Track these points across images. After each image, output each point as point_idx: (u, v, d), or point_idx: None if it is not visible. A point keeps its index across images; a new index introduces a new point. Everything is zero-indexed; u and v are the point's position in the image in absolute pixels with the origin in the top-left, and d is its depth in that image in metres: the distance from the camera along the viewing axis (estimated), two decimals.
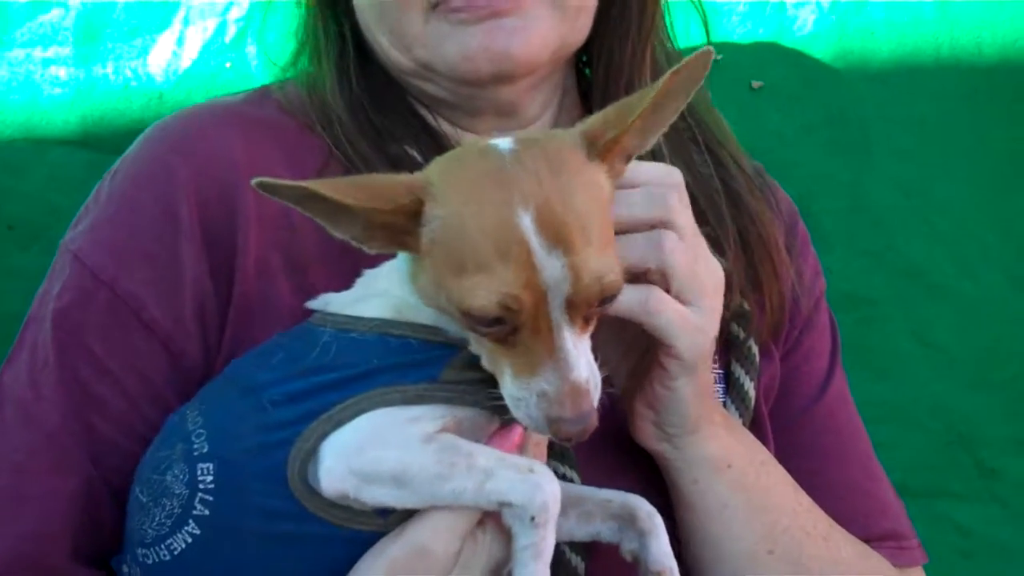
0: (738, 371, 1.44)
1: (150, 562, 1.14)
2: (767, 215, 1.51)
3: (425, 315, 1.11)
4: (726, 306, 1.38)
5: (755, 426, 1.45)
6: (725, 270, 1.38)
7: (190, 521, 1.10)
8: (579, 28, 1.41)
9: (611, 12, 1.47)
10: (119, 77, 2.01)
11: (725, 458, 1.32)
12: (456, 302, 1.01)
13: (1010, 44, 2.16)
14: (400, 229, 1.05)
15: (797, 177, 2.14)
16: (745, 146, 2.12)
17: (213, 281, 1.29)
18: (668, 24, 1.56)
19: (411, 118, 1.44)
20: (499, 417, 1.11)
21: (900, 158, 2.15)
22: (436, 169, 1.07)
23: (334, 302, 1.18)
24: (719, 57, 2.15)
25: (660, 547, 1.17)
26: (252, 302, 1.28)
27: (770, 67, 2.14)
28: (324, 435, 1.07)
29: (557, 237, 0.99)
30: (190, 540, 1.10)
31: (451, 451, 1.05)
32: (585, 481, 1.28)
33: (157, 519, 1.13)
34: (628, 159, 1.13)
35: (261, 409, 1.11)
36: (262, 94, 1.48)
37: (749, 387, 1.43)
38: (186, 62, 2.01)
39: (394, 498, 1.06)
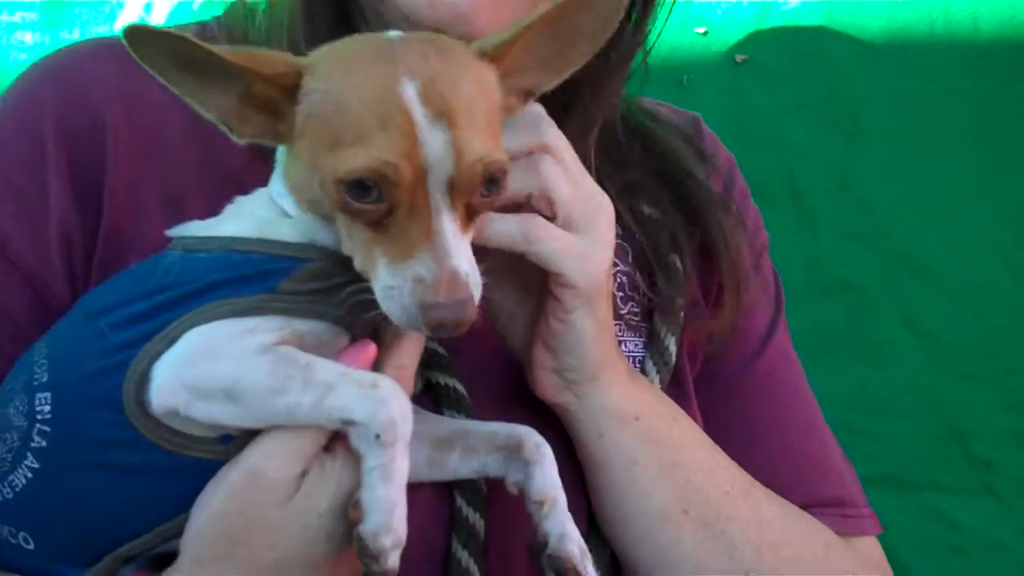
0: (660, 326, 1.36)
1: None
2: (726, 220, 1.43)
3: (287, 231, 1.05)
4: (658, 259, 1.36)
5: (676, 384, 1.37)
6: (654, 220, 1.36)
7: (28, 455, 1.05)
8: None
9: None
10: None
11: (632, 410, 1.23)
12: (330, 175, 0.95)
13: (1007, 20, 2.06)
14: (273, 110, 1.00)
15: (784, 155, 2.08)
16: (729, 122, 2.07)
17: (80, 215, 1.24)
18: None
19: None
20: (347, 334, 1.05)
21: (891, 137, 2.06)
22: (320, 50, 1.02)
23: (194, 227, 1.11)
24: (702, 30, 2.09)
25: (545, 476, 1.09)
26: (121, 237, 1.22)
27: (755, 41, 2.06)
28: (158, 355, 1.00)
29: (442, 112, 0.94)
30: (30, 475, 1.05)
31: (287, 363, 0.97)
32: None
33: (0, 455, 1.07)
34: (528, 95, 1.09)
35: (100, 334, 1.04)
36: (193, 28, 1.38)
37: (671, 343, 1.35)
38: (157, 23, 1.97)
39: (227, 415, 0.99)
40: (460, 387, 1.23)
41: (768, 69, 2.06)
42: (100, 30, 1.96)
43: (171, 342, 1.00)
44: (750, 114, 2.05)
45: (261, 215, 1.07)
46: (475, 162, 0.95)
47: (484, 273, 1.02)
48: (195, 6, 1.95)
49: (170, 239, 1.11)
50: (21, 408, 1.06)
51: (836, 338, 2.08)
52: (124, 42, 0.96)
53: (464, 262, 0.95)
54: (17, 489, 1.06)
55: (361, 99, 0.96)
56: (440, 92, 0.96)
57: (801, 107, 2.07)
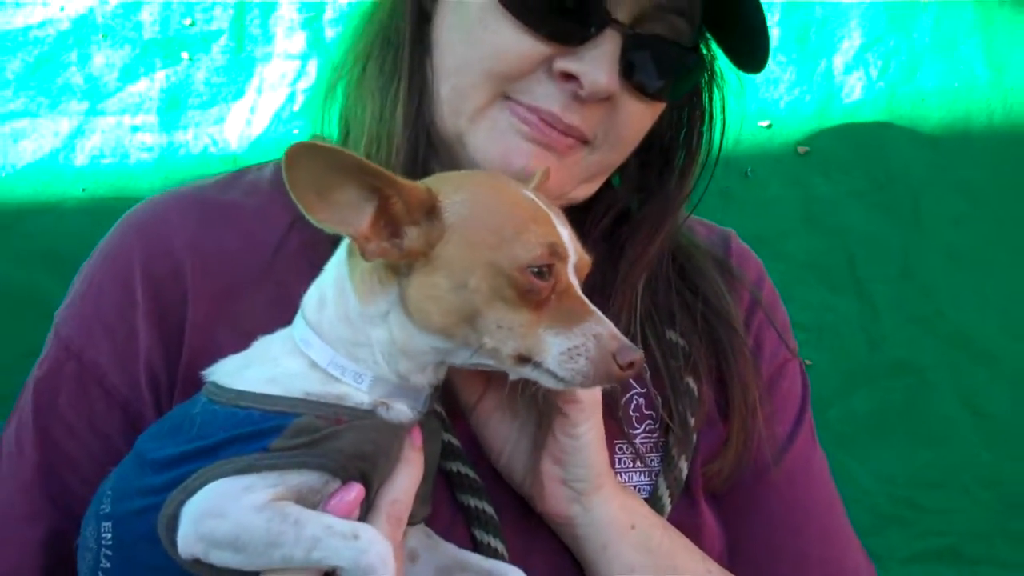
0: (673, 447, 1.40)
1: None
2: (748, 367, 1.45)
3: (301, 383, 1.14)
4: (674, 383, 1.40)
5: (688, 499, 1.40)
6: (677, 347, 1.41)
7: (100, 573, 1.18)
8: (592, 189, 1.41)
9: (650, 174, 1.47)
10: (198, 143, 2.08)
11: (629, 518, 1.30)
12: (510, 264, 1.06)
13: None
14: (396, 230, 1.09)
15: (846, 243, 2.09)
16: (792, 211, 2.11)
17: (164, 352, 1.34)
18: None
19: None
20: (337, 478, 1.12)
21: (951, 225, 2.07)
22: (430, 179, 1.14)
23: (223, 368, 1.20)
24: (766, 123, 2.13)
25: None
26: (198, 371, 1.33)
27: (817, 133, 2.08)
28: (181, 503, 1.10)
29: (558, 214, 1.12)
30: None
31: (280, 520, 1.07)
32: (511, 548, 1.29)
33: (83, 570, 1.21)
34: None
35: (143, 473, 1.16)
36: (235, 176, 1.50)
37: (682, 463, 1.39)
38: (258, 129, 2.06)
39: (236, 561, 1.09)
40: (490, 510, 1.30)
41: (830, 160, 2.08)
42: (211, 131, 2.07)
43: (191, 493, 1.10)
44: (813, 203, 2.07)
45: (280, 367, 1.16)
46: (584, 252, 1.12)
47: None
48: (295, 107, 2.07)
49: (204, 380, 1.21)
50: (92, 534, 1.19)
51: (898, 418, 2.08)
52: (284, 164, 1.03)
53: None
54: None
55: (508, 202, 1.11)
56: (548, 201, 1.13)
57: (862, 195, 2.08)
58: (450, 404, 1.30)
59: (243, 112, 2.09)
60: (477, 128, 1.35)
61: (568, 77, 1.29)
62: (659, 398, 1.42)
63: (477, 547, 1.30)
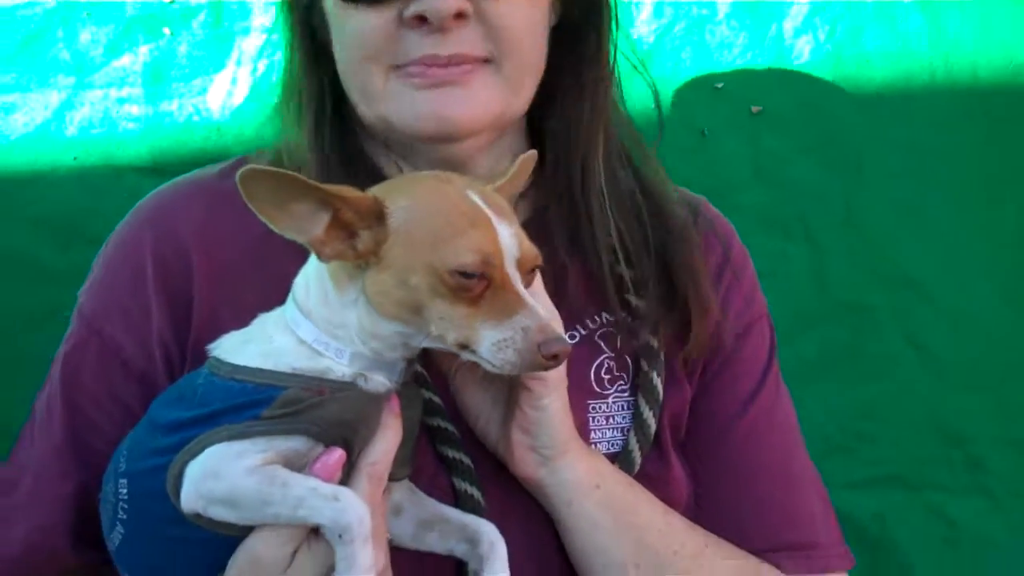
0: (641, 403, 1.52)
1: (111, 548, 1.37)
2: (698, 263, 1.58)
3: (289, 358, 1.28)
4: (637, 342, 1.53)
5: (657, 452, 1.52)
6: (640, 310, 1.53)
7: (118, 523, 1.34)
8: (520, 100, 1.51)
9: (565, 87, 1.57)
10: (182, 113, 2.15)
11: (594, 480, 1.42)
12: (442, 265, 1.18)
13: (1005, 67, 2.17)
14: (351, 234, 1.23)
15: (795, 195, 2.20)
16: (745, 167, 2.22)
17: (174, 330, 1.49)
18: (620, 91, 1.65)
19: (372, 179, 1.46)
20: (320, 444, 1.26)
21: (892, 177, 2.18)
22: (381, 185, 1.29)
23: (225, 343, 1.34)
24: (720, 85, 2.24)
25: (492, 571, 1.32)
26: (205, 347, 1.41)
27: (769, 93, 2.18)
28: (185, 463, 1.25)
29: (501, 212, 1.23)
30: (120, 538, 1.34)
31: (269, 481, 1.21)
32: (489, 499, 1.42)
33: (104, 519, 1.37)
34: None
35: (154, 436, 1.31)
36: (234, 165, 1.62)
37: (649, 417, 1.51)
38: (239, 99, 2.14)
39: (232, 516, 1.23)
40: (467, 460, 1.44)
41: (780, 118, 2.18)
42: (194, 102, 2.14)
43: (193, 455, 1.25)
44: (765, 159, 2.18)
45: (273, 343, 1.30)
46: (530, 248, 1.24)
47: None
48: (274, 77, 2.14)
49: (207, 353, 1.35)
50: (111, 489, 1.35)
51: (846, 356, 2.21)
52: (239, 185, 1.18)
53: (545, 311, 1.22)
54: (116, 544, 1.36)
55: (448, 206, 1.22)
56: (493, 198, 1.25)
57: (810, 151, 2.19)
58: (434, 367, 1.42)
59: (224, 83, 2.17)
60: (388, 106, 1.48)
61: (421, 19, 1.39)
62: (629, 360, 1.54)
63: (457, 495, 1.43)
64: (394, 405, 1.31)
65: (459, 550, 1.37)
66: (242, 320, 1.40)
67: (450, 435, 1.45)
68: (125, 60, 2.17)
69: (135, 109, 2.17)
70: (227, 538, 1.26)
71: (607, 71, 1.59)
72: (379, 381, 1.30)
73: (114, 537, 1.35)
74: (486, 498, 1.43)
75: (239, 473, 1.22)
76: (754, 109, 2.19)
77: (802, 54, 2.18)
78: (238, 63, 2.16)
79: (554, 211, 1.55)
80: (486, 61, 1.46)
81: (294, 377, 1.26)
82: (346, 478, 1.27)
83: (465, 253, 1.18)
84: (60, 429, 1.51)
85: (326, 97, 1.56)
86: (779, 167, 2.19)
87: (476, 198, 1.23)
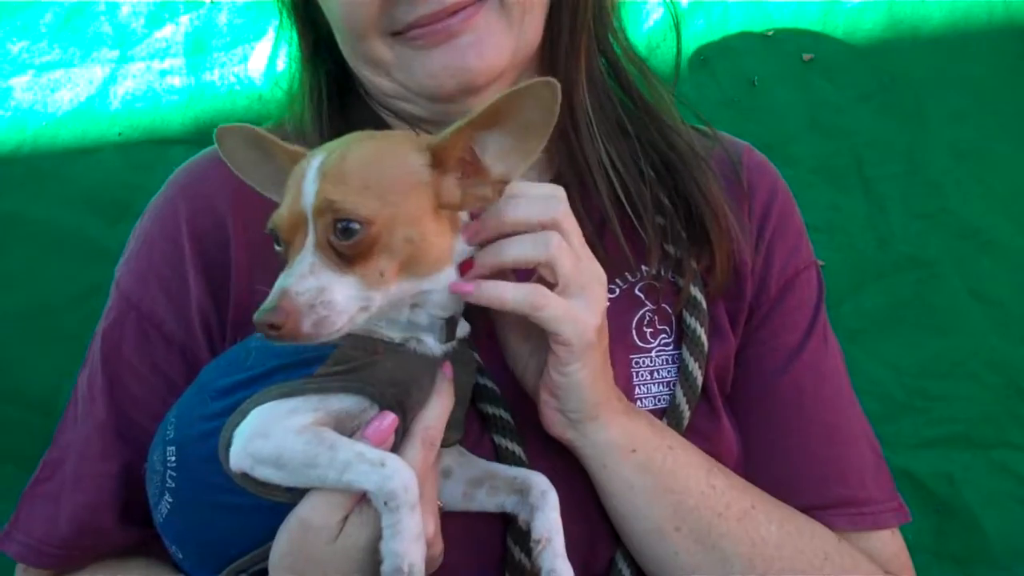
0: (686, 355, 1.44)
1: (158, 522, 1.31)
2: (714, 187, 1.48)
3: None
4: (679, 295, 1.44)
5: (704, 404, 1.44)
6: (678, 258, 1.45)
7: (166, 493, 1.27)
8: (529, 33, 1.42)
9: (553, 19, 1.46)
10: (224, 82, 2.07)
11: (629, 443, 1.32)
12: None
13: None
14: None
15: (853, 144, 2.05)
16: (799, 117, 2.08)
17: (212, 300, 1.43)
18: (619, 27, 1.55)
19: None
20: (375, 404, 1.19)
21: (954, 121, 2.02)
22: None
23: None
24: (770, 33, 2.12)
25: (545, 519, 1.22)
26: (245, 315, 1.33)
27: (820, 40, 2.03)
28: (236, 425, 1.18)
29: (324, 175, 1.11)
30: (168, 507, 1.27)
31: (317, 443, 1.14)
32: (531, 455, 1.35)
33: (151, 489, 1.31)
34: (502, 184, 1.17)
35: (203, 402, 1.25)
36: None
37: (695, 369, 1.42)
38: (281, 66, 2.01)
39: (278, 477, 1.17)
40: (507, 415, 1.36)
41: (834, 65, 2.03)
42: (236, 71, 2.07)
43: (244, 415, 1.18)
44: (819, 108, 2.03)
45: None
46: (323, 203, 1.09)
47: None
48: None
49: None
50: (159, 457, 1.28)
51: (908, 311, 2.06)
52: (216, 140, 1.25)
53: (304, 281, 1.08)
54: (164, 515, 1.29)
55: (293, 173, 1.17)
56: (332, 163, 1.12)
57: (866, 98, 2.03)
58: (479, 321, 1.33)
59: (265, 50, 2.07)
60: (401, 74, 1.42)
61: None
62: (670, 312, 1.44)
63: (498, 452, 1.36)
64: (447, 370, 1.25)
65: (509, 503, 1.28)
66: None
67: (490, 392, 1.37)
68: (166, 31, 2.09)
69: (177, 80, 2.09)
70: (276, 505, 1.19)
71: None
72: (430, 343, 1.23)
73: (162, 508, 1.28)
74: (528, 454, 1.35)
75: (288, 432, 1.15)
76: (806, 57, 2.05)
77: None
78: (279, 29, 2.08)
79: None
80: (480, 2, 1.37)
81: (347, 336, 1.16)
82: (398, 443, 1.20)
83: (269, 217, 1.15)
84: (103, 406, 1.44)
85: (323, 88, 1.52)
86: (833, 116, 2.05)
87: (318, 160, 1.14)
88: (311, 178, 1.12)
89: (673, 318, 1.46)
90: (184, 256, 1.45)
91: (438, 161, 1.15)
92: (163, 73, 2.10)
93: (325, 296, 1.08)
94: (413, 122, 1.49)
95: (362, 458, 1.13)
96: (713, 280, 1.45)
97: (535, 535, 1.22)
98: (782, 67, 2.06)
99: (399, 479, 1.12)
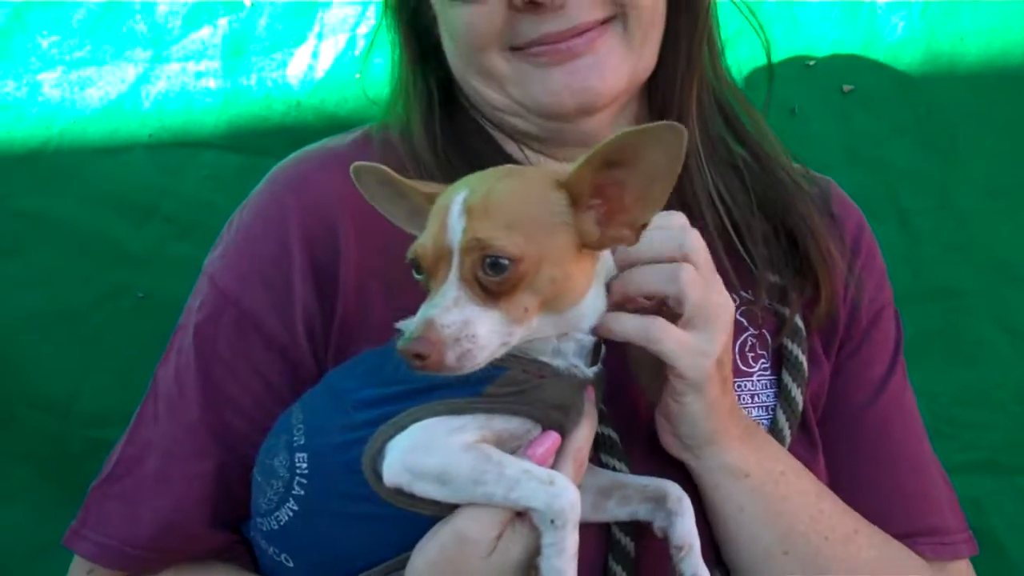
0: (788, 380, 1.45)
1: (265, 529, 1.26)
2: (816, 219, 1.50)
3: None
4: (782, 321, 1.46)
5: (803, 430, 1.45)
6: (781, 287, 1.46)
7: (290, 499, 1.22)
8: (646, 58, 1.44)
9: (667, 45, 1.48)
10: (261, 87, 2.01)
11: (743, 468, 1.32)
12: None
13: None
14: None
15: (888, 176, 2.04)
16: (836, 147, 2.08)
17: (319, 305, 1.37)
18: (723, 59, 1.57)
19: (497, 156, 1.46)
20: (537, 425, 1.18)
21: (987, 158, 2.02)
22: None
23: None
24: (811, 63, 2.12)
25: (684, 526, 1.22)
26: (352, 321, 1.35)
27: (860, 72, 2.02)
28: (389, 437, 1.15)
29: (470, 211, 1.10)
30: (291, 515, 1.22)
31: (484, 460, 1.12)
32: (635, 472, 1.33)
33: (267, 495, 1.25)
34: (640, 228, 1.15)
35: (344, 411, 1.20)
36: (365, 136, 1.53)
37: (797, 394, 1.43)
38: (320, 73, 1.99)
39: (439, 494, 1.14)
40: (614, 435, 1.34)
41: (872, 97, 2.03)
42: (274, 76, 2.00)
43: (400, 429, 1.15)
44: (856, 139, 2.03)
45: None
46: (472, 240, 1.07)
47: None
48: (356, 52, 2.01)
49: (396, 330, 1.23)
50: (284, 463, 1.23)
51: (938, 339, 2.06)
52: (352, 177, 1.24)
53: (448, 315, 1.07)
54: (282, 523, 1.23)
55: (436, 206, 1.16)
56: (477, 198, 1.11)
57: (903, 131, 2.03)
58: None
59: (305, 57, 2.02)
60: (517, 90, 1.41)
61: (533, 4, 1.32)
62: (769, 337, 1.43)
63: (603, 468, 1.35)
64: (591, 392, 1.25)
65: (642, 511, 1.27)
66: (392, 295, 1.33)
67: (598, 411, 1.34)
68: (204, 32, 2.02)
69: (212, 83, 2.02)
70: (416, 518, 1.17)
71: (703, 19, 1.49)
72: (583, 368, 1.22)
73: (279, 515, 1.23)
74: (633, 472, 1.33)
75: (454, 448, 1.13)
76: (845, 88, 2.05)
77: (895, 31, 2.04)
78: (320, 36, 2.02)
79: None
80: (607, 21, 1.38)
81: (515, 358, 1.16)
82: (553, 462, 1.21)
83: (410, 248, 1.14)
84: (195, 403, 1.37)
85: (434, 95, 1.50)
86: (871, 148, 2.04)
87: (461, 195, 1.12)
88: (456, 213, 1.10)
89: (769, 343, 1.46)
90: (292, 257, 1.38)
91: (574, 199, 1.13)
92: (198, 75, 2.03)
93: (469, 330, 1.07)
94: (519, 137, 1.48)
95: (530, 476, 1.12)
96: (817, 312, 1.47)
97: (676, 541, 1.22)
98: (822, 97, 2.06)
99: (567, 497, 1.11)
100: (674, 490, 1.25)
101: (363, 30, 2.01)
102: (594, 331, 1.20)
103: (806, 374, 1.45)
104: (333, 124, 2.01)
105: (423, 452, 1.13)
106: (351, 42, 2.02)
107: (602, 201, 1.14)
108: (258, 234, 1.42)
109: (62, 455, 2.08)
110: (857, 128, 2.05)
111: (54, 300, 2.02)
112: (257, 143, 2.03)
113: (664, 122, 1.07)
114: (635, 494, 1.28)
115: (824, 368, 1.49)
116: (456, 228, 1.10)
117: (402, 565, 1.18)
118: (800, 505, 1.35)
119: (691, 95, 1.47)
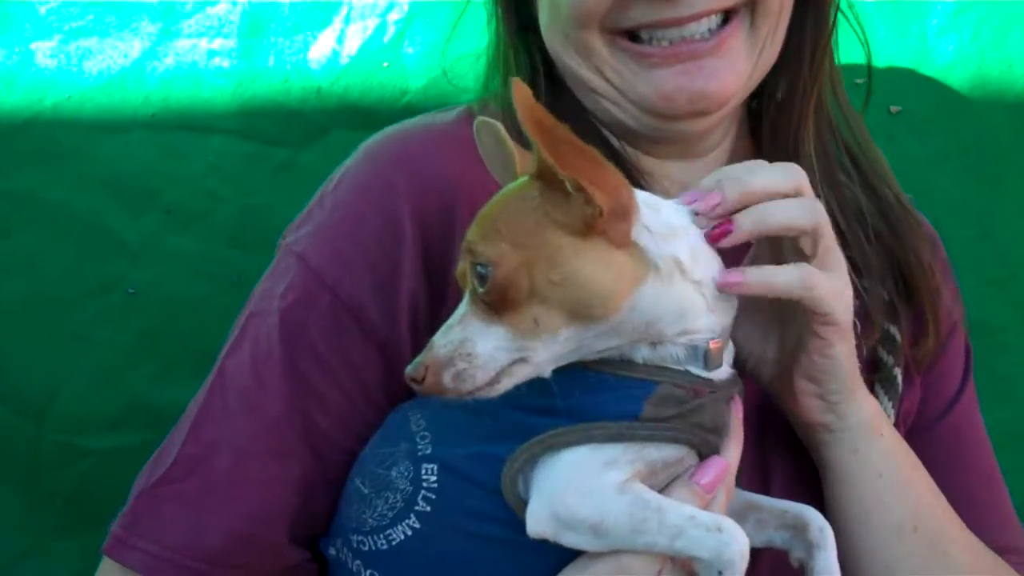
0: (880, 393, 1.36)
1: (365, 549, 1.10)
2: (923, 244, 1.43)
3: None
4: (873, 329, 1.36)
5: None
6: (870, 292, 1.36)
7: (411, 515, 1.07)
8: (767, 60, 1.32)
9: (788, 48, 1.36)
10: (279, 70, 1.81)
11: (879, 425, 1.24)
12: None
13: None
14: None
15: (930, 202, 1.94)
16: None
17: (428, 294, 1.20)
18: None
19: (599, 144, 1.32)
20: (693, 451, 1.06)
21: None
22: None
23: None
24: (860, 81, 2.01)
25: (827, 559, 1.10)
26: None
27: (908, 93, 1.92)
28: (534, 456, 1.01)
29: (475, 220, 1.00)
30: (409, 533, 1.07)
31: (643, 506, 0.99)
32: (745, 457, 1.18)
33: (379, 510, 1.09)
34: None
35: (480, 421, 1.05)
36: (468, 113, 1.37)
37: (889, 409, 1.34)
38: (345, 59, 1.81)
39: (590, 545, 1.01)
40: None
41: (921, 120, 1.92)
42: (294, 60, 1.84)
43: (548, 448, 1.01)
44: (902, 162, 1.95)
45: None
46: (464, 251, 0.99)
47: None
48: (385, 39, 1.86)
49: None
50: (406, 474, 1.08)
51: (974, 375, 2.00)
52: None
53: (448, 336, 0.97)
54: (394, 543, 1.08)
55: None
56: (478, 215, 1.01)
57: (948, 157, 1.93)
58: None
59: (329, 42, 1.83)
60: (622, 78, 1.28)
61: None
62: (865, 348, 1.31)
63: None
64: (738, 409, 1.13)
65: (779, 539, 1.15)
66: None
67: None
68: (220, 8, 1.82)
69: (227, 63, 1.82)
70: (555, 547, 1.02)
71: (830, 14, 1.38)
72: (726, 375, 1.09)
73: (392, 534, 1.07)
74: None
75: (608, 492, 0.99)
76: (893, 109, 1.94)
77: (946, 53, 1.94)
78: (346, 20, 1.83)
79: None
80: (730, 12, 1.26)
81: (662, 370, 1.02)
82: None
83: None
84: (278, 399, 1.17)
85: (539, 69, 1.37)
86: (916, 171, 1.92)
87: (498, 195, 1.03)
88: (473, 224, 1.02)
89: (866, 353, 1.35)
90: (402, 239, 1.21)
91: (547, 187, 0.98)
92: (211, 54, 1.84)
93: (465, 348, 0.96)
94: (613, 127, 1.34)
95: (695, 522, 0.98)
96: (923, 346, 1.40)
97: (817, 575, 1.10)
98: (869, 117, 1.92)
99: (737, 546, 0.98)
100: (816, 519, 1.12)
101: (394, 16, 1.84)
102: (737, 293, 1.06)
103: (900, 390, 1.37)
104: (356, 115, 1.84)
105: (574, 498, 0.99)
106: (381, 28, 1.84)
107: (576, 179, 0.96)
108: (363, 212, 1.23)
109: (32, 460, 1.86)
110: (903, 150, 1.93)
111: (37, 289, 1.80)
112: (270, 131, 1.84)
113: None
114: (771, 519, 1.15)
115: (917, 386, 1.41)
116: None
117: None
118: (924, 475, 1.27)
119: (810, 106, 1.37)
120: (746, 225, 1.05)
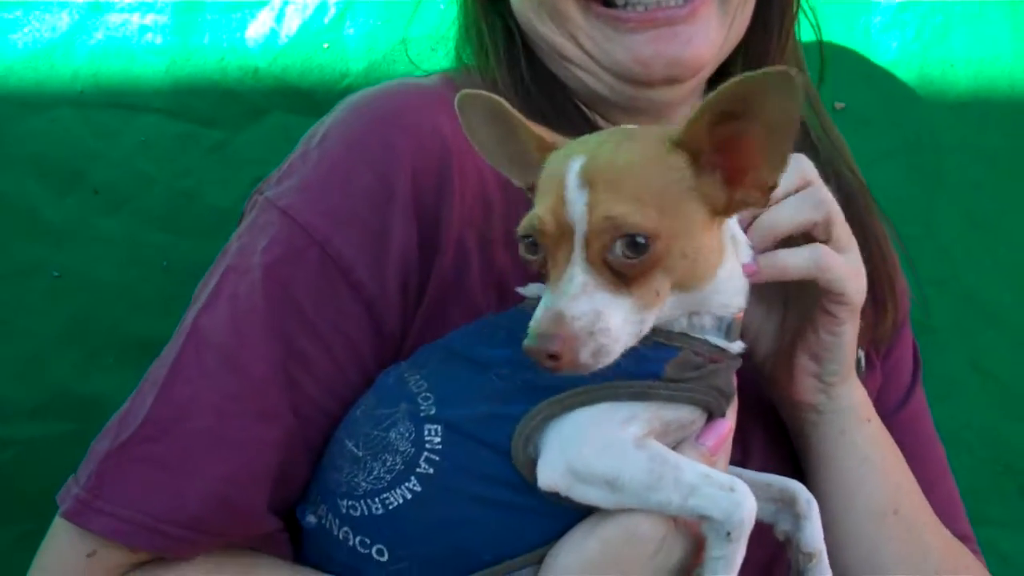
0: None
1: (356, 514, 1.05)
2: (881, 228, 1.45)
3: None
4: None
5: None
6: None
7: (412, 478, 1.03)
8: (738, 27, 1.33)
9: (755, 22, 1.38)
10: (216, 49, 1.74)
11: (866, 412, 1.26)
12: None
13: None
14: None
15: (876, 200, 2.00)
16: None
17: (420, 256, 1.16)
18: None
19: (575, 113, 1.30)
20: (704, 413, 1.06)
21: (971, 189, 1.92)
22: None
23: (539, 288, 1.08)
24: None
25: (814, 531, 1.11)
26: (448, 277, 1.16)
27: (852, 89, 1.90)
28: (550, 417, 0.99)
29: (592, 184, 0.94)
30: (408, 496, 1.03)
31: (661, 462, 0.98)
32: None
33: (375, 473, 1.05)
34: (769, 189, 0.99)
35: (489, 381, 1.03)
36: (446, 79, 1.34)
37: None
38: (283, 39, 1.74)
39: (604, 500, 1.00)
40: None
41: (864, 117, 1.91)
42: (231, 38, 1.77)
43: (566, 408, 0.99)
44: None
45: None
46: (603, 219, 0.92)
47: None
48: (326, 19, 1.79)
49: (518, 295, 1.11)
50: (407, 435, 1.04)
51: None
52: (456, 108, 1.05)
53: (577, 305, 0.91)
54: (390, 507, 1.03)
55: (548, 171, 1.00)
56: (596, 166, 0.95)
57: (892, 155, 1.92)
58: None
59: (268, 20, 1.76)
60: (597, 45, 1.27)
61: None
62: None
63: None
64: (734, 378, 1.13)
65: (764, 512, 1.12)
66: (487, 252, 1.18)
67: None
68: None
69: (159, 39, 1.75)
70: (564, 510, 1.02)
71: (794, 3, 1.41)
72: (735, 347, 1.10)
73: (388, 497, 1.03)
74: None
75: (627, 446, 0.97)
76: (837, 106, 1.92)
77: (890, 51, 1.93)
78: None
79: None
80: None
81: (684, 337, 1.03)
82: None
83: (524, 219, 0.99)
84: (261, 358, 1.11)
85: (515, 35, 1.34)
86: (860, 168, 1.94)
87: (577, 163, 0.96)
88: (574, 184, 0.94)
89: None
90: (395, 198, 1.16)
91: (694, 159, 0.97)
92: (143, 29, 1.77)
93: (602, 322, 0.92)
94: (585, 96, 1.33)
95: (709, 480, 0.98)
96: (882, 328, 1.40)
97: (805, 548, 1.11)
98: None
99: (748, 506, 0.98)
100: (803, 492, 1.13)
101: None
102: (755, 275, 1.09)
103: (864, 374, 1.37)
104: (294, 96, 1.78)
105: (592, 451, 0.97)
106: (321, 8, 1.78)
107: (723, 160, 0.97)
108: (353, 167, 1.18)
109: None
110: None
111: None
112: (204, 111, 1.77)
113: (775, 68, 0.92)
114: (759, 492, 1.10)
115: (877, 369, 1.42)
116: (577, 202, 0.93)
117: (525, 563, 1.04)
118: (903, 463, 1.30)
119: (787, 56, 1.40)
120: (763, 234, 1.12)
